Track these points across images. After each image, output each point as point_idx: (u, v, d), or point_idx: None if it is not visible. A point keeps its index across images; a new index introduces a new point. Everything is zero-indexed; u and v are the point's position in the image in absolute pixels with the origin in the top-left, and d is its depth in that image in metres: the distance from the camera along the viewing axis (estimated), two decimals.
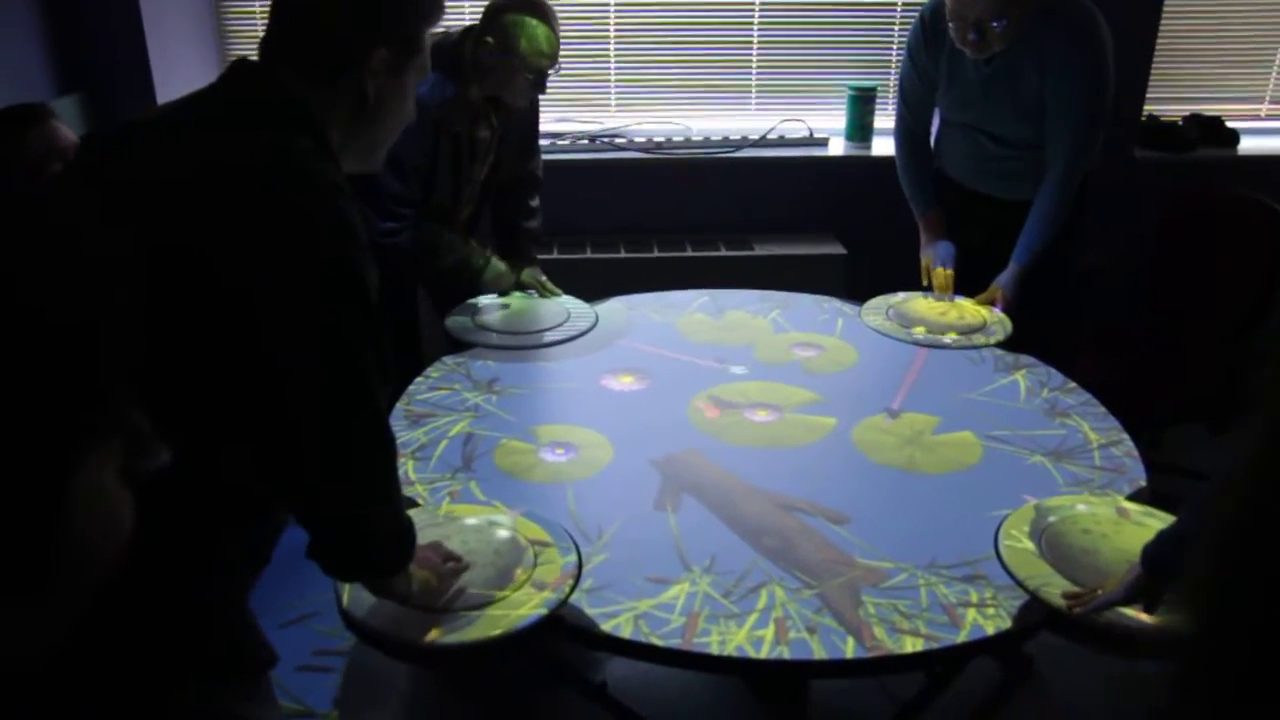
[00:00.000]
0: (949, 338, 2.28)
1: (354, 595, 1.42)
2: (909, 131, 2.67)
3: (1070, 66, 2.30)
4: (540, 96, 2.43)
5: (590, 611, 1.41)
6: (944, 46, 2.43)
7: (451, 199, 2.40)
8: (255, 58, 1.18)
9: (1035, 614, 1.41)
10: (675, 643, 1.36)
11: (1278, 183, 2.85)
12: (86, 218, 0.52)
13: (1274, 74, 3.52)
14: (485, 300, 2.46)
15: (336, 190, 1.08)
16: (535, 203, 2.62)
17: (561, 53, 2.45)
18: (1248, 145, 3.40)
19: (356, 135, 1.21)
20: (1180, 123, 3.36)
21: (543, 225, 2.66)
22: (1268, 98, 3.56)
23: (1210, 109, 3.46)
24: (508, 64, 2.19)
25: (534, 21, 2.18)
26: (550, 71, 2.25)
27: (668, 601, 1.44)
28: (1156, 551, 1.33)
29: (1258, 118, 3.57)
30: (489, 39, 2.19)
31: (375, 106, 1.20)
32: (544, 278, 2.54)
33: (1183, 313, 2.87)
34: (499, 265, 2.47)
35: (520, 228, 2.60)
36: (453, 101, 2.23)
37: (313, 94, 1.14)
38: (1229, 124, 3.41)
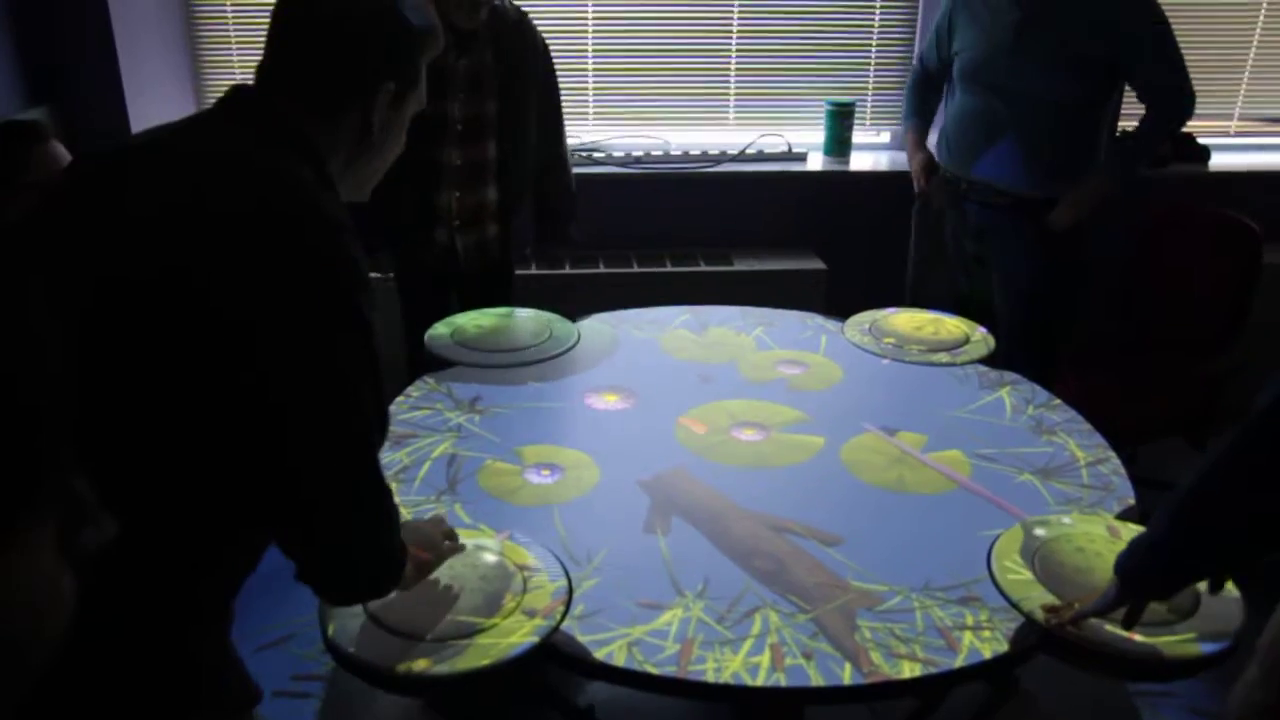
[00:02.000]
0: (932, 354, 2.28)
1: (339, 625, 1.38)
2: (926, 74, 2.87)
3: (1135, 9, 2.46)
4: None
5: (582, 639, 1.39)
6: (968, 4, 2.62)
7: (421, 133, 2.35)
8: (252, 84, 1.14)
9: (1031, 636, 1.40)
10: (670, 670, 1.33)
11: (1248, 198, 2.90)
12: (14, 280, 0.47)
13: (1242, 91, 3.57)
14: (463, 317, 2.43)
15: (340, 226, 1.05)
16: (561, 187, 2.67)
17: None
18: (1218, 161, 3.45)
19: (355, 166, 1.19)
20: None
21: (573, 205, 2.72)
22: (1236, 114, 3.61)
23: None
24: None
25: None
26: None
27: (661, 628, 1.41)
28: (1131, 563, 1.32)
29: (1227, 134, 3.62)
30: None
31: (378, 139, 1.18)
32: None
33: (1159, 327, 2.89)
34: None
35: (545, 207, 2.66)
36: None
37: (315, 125, 1.12)
38: (1200, 140, 3.46)
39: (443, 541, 1.43)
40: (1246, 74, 3.55)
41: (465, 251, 2.57)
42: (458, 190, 2.49)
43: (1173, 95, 2.53)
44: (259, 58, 1.16)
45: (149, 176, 1.06)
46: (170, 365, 0.98)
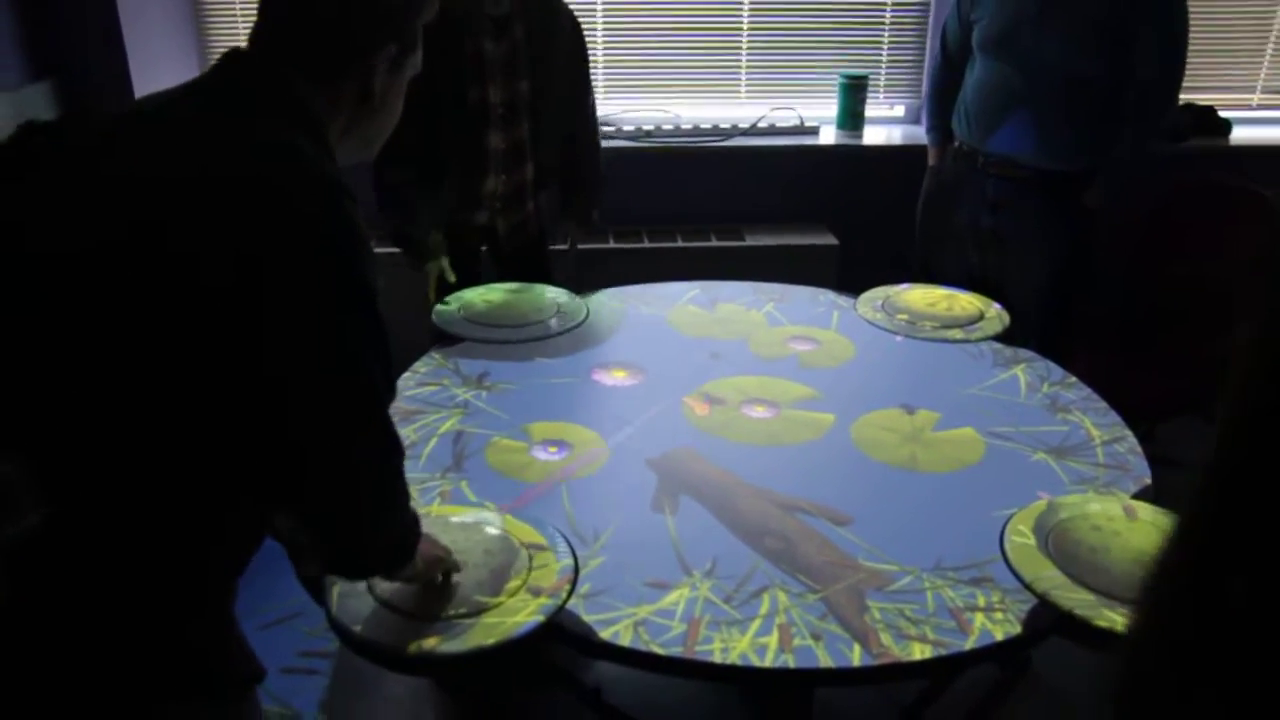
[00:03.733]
0: (946, 331, 2.25)
1: (341, 604, 1.37)
2: (947, 65, 2.80)
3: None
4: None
5: (587, 618, 1.37)
6: None
7: (465, 121, 2.36)
8: (247, 48, 1.12)
9: (1044, 619, 1.38)
10: (677, 651, 1.32)
11: (1270, 172, 2.84)
12: None
13: (1265, 64, 3.50)
14: (471, 293, 2.41)
15: (342, 193, 1.02)
16: (593, 157, 2.66)
17: None
18: (1240, 135, 3.39)
19: (355, 130, 1.16)
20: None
21: (597, 193, 2.71)
22: (1259, 87, 3.54)
23: (1203, 99, 3.44)
24: None
25: None
26: None
27: (668, 607, 1.39)
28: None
29: (1249, 107, 3.55)
30: None
31: (378, 103, 1.15)
32: (445, 263, 2.48)
33: (1177, 302, 2.85)
34: (448, 270, 2.45)
35: (572, 184, 2.65)
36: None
37: (315, 90, 1.09)
38: (1222, 113, 3.40)
39: (448, 550, 1.39)
40: (1270, 48, 3.47)
41: (506, 231, 2.56)
42: (503, 173, 2.47)
43: (1163, 84, 2.51)
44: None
45: (145, 146, 1.03)
46: (161, 336, 0.96)
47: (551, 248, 2.75)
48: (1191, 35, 2.48)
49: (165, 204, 0.98)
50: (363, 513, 1.10)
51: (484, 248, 2.63)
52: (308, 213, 0.99)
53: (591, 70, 2.59)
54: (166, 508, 1.03)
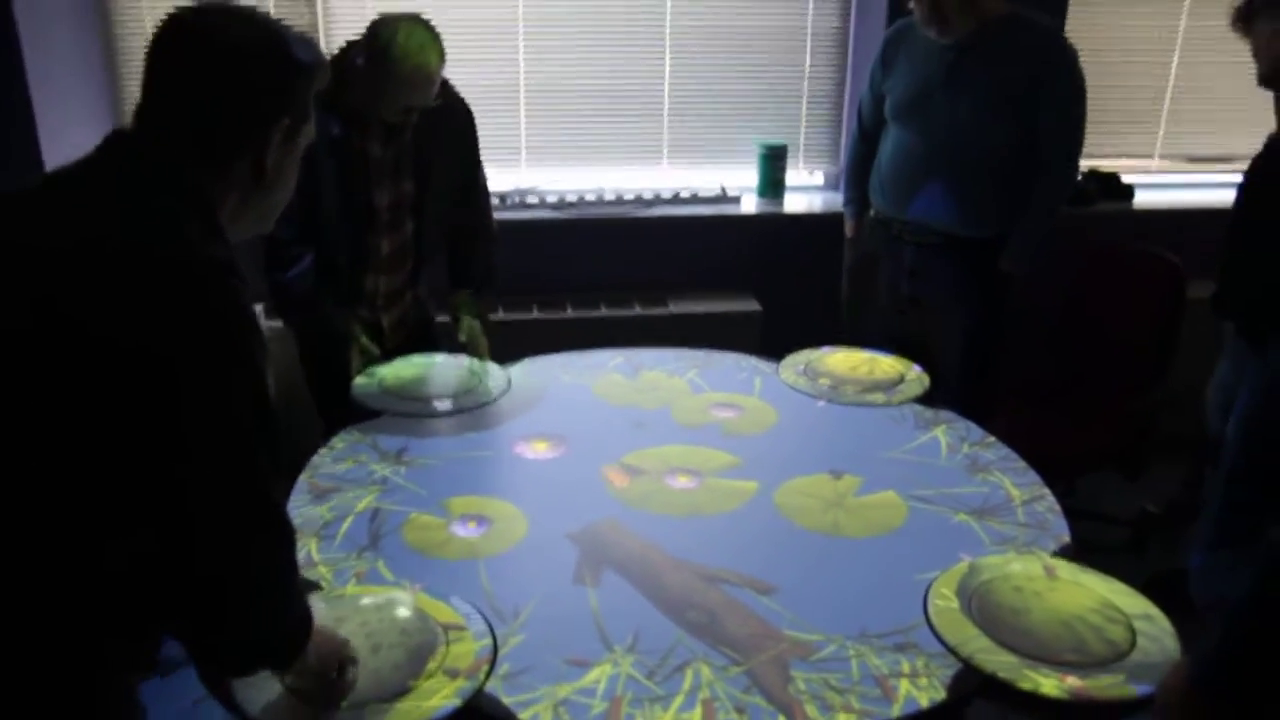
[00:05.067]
0: (868, 394, 2.27)
1: (246, 692, 1.30)
2: (862, 139, 2.87)
3: (1062, 69, 2.52)
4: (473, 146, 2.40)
5: (507, 700, 1.32)
6: (903, 42, 2.67)
7: (351, 224, 2.27)
8: (131, 128, 1.09)
9: (969, 683, 1.37)
10: None
11: (1171, 234, 2.95)
12: None
13: (1161, 129, 3.66)
14: (385, 369, 2.35)
15: (228, 272, 1.00)
16: (485, 250, 2.52)
17: (473, 108, 2.39)
18: (1142, 199, 3.52)
19: (251, 206, 1.14)
20: (1081, 178, 3.46)
21: (494, 276, 2.55)
22: (1157, 153, 3.70)
23: (1106, 164, 3.58)
24: (376, 70, 2.08)
25: (407, 28, 2.08)
26: (429, 82, 2.13)
27: (589, 686, 1.35)
28: (1210, 679, 1.20)
29: (1149, 171, 3.70)
30: (360, 45, 2.12)
31: (272, 178, 1.13)
32: (481, 335, 2.40)
33: (1093, 363, 2.92)
34: (370, 346, 2.34)
35: (468, 267, 2.51)
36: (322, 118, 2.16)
37: (205, 172, 1.07)
38: (1124, 179, 3.53)
39: (345, 641, 1.33)
40: (1165, 114, 3.64)
41: (390, 327, 2.48)
42: (384, 274, 2.40)
43: (1064, 149, 2.59)
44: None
45: (25, 222, 1.00)
46: (43, 405, 0.93)
47: (439, 320, 2.64)
48: (1092, 103, 2.58)
49: (46, 275, 0.95)
50: (249, 602, 1.06)
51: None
52: (192, 289, 0.97)
53: (482, 153, 2.50)
54: (75, 576, 0.98)
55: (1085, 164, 3.52)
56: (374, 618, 1.45)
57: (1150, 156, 3.70)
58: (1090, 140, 2.62)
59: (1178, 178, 3.73)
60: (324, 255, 2.27)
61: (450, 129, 2.36)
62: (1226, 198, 2.36)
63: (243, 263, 1.05)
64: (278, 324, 2.82)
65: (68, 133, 2.91)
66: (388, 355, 2.48)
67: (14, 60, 2.74)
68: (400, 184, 2.32)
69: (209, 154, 1.07)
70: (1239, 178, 2.30)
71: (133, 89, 3.11)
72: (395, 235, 2.37)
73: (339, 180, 2.22)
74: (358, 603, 1.49)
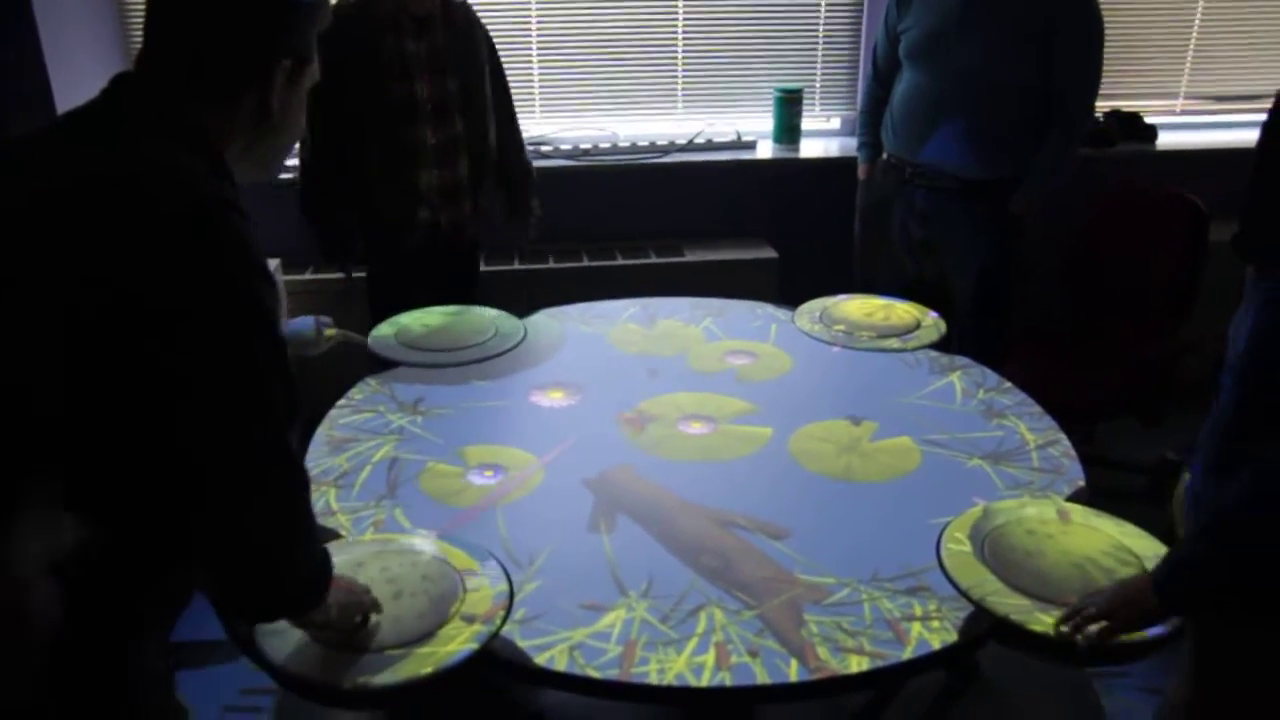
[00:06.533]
0: (883, 340, 2.26)
1: (271, 639, 1.33)
2: (877, 81, 2.84)
3: (1078, 9, 2.47)
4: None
5: (522, 644, 1.35)
6: None
7: (389, 120, 2.44)
8: (135, 71, 1.09)
9: (981, 625, 1.38)
10: (613, 674, 1.30)
11: (1195, 176, 2.90)
12: None
13: (1186, 70, 3.58)
14: (408, 316, 2.38)
15: (229, 208, 1.00)
16: (520, 165, 2.72)
17: None
18: (1165, 140, 3.46)
19: (257, 148, 1.14)
20: (1101, 119, 3.40)
21: (531, 195, 2.76)
22: (1181, 93, 3.62)
23: (1129, 105, 3.51)
24: None
25: None
26: None
27: (603, 630, 1.38)
28: (1176, 587, 1.28)
29: (1173, 113, 3.63)
30: None
31: (278, 119, 1.13)
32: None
33: (1111, 308, 2.89)
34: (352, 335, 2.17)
35: (507, 185, 2.72)
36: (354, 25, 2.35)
37: (209, 113, 1.07)
38: (1147, 120, 3.47)
39: (365, 588, 1.35)
40: (1190, 54, 3.56)
41: (448, 227, 2.59)
42: (435, 168, 2.52)
43: (1081, 89, 2.55)
44: None
45: (23, 168, 1.01)
46: (59, 347, 0.94)
47: (482, 270, 2.79)
48: (1114, 42, 2.53)
49: (46, 230, 0.95)
50: (268, 542, 1.07)
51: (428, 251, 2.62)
52: (191, 225, 0.97)
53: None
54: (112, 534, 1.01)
55: (1106, 104, 3.46)
56: (394, 563, 1.47)
57: (1175, 96, 3.63)
58: (1112, 80, 2.57)
59: (1205, 118, 3.66)
60: (360, 159, 2.47)
61: (480, 39, 2.56)
62: (1255, 138, 2.31)
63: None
64: (298, 276, 2.90)
65: (80, 80, 2.91)
66: (431, 280, 2.59)
67: (24, 7, 2.73)
68: (443, 80, 2.48)
69: (212, 93, 1.07)
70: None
71: (141, 34, 3.11)
72: (442, 127, 2.50)
73: (376, 75, 2.40)
74: (384, 546, 1.51)
